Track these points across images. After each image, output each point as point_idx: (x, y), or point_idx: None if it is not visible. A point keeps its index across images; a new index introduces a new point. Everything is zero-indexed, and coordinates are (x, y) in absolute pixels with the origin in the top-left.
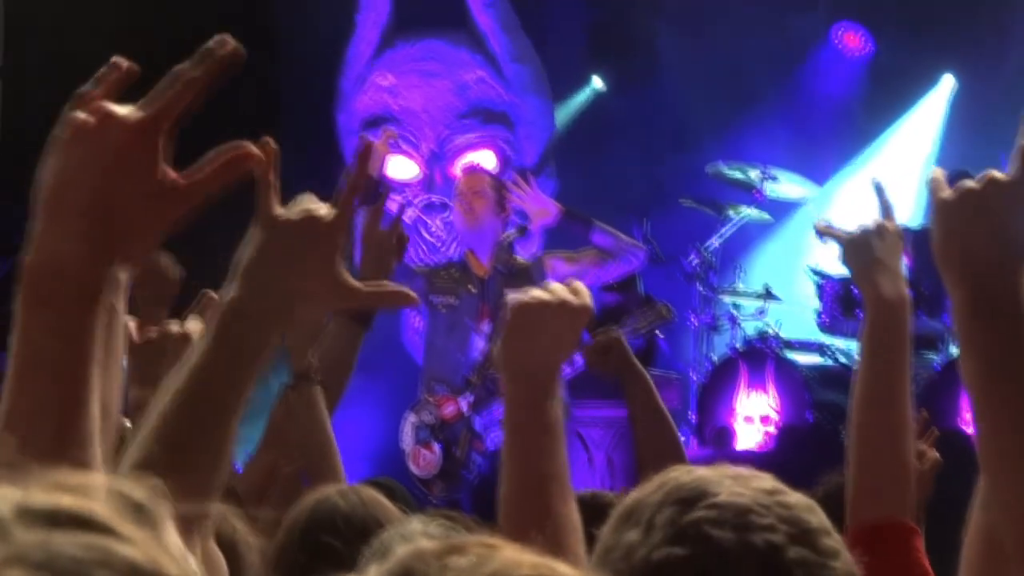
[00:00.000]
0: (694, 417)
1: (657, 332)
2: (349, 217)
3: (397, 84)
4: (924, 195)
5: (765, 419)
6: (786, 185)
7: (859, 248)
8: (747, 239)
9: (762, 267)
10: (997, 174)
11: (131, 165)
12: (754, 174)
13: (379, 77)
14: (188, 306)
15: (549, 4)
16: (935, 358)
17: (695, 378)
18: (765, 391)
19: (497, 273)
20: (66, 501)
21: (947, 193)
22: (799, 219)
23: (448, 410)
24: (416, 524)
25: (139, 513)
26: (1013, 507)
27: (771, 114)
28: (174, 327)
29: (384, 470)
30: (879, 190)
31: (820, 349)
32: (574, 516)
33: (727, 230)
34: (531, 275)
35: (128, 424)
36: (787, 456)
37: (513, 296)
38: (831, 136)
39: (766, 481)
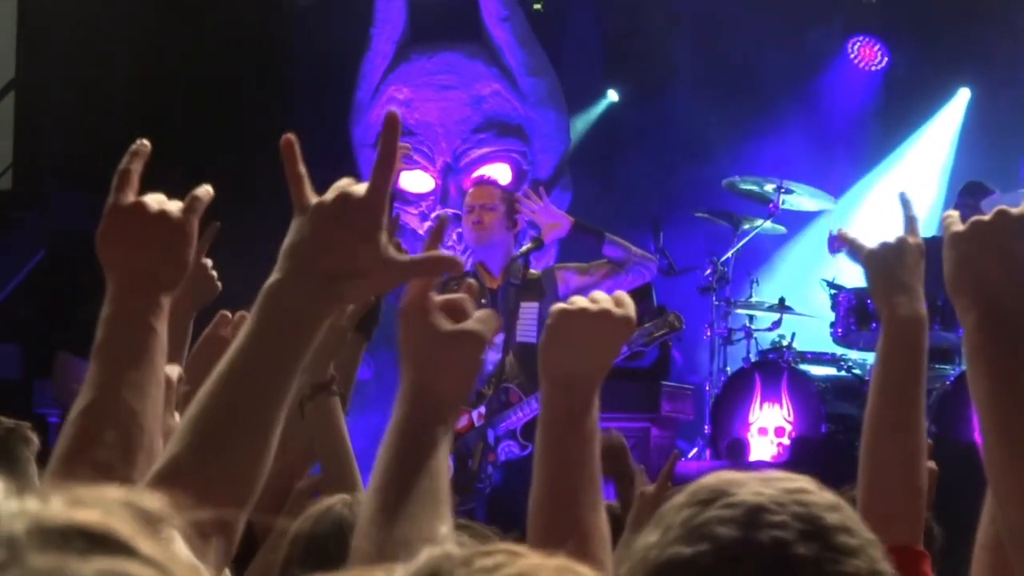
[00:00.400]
0: (708, 429)
1: (670, 342)
2: (383, 190)
3: (412, 97)
4: (939, 207)
5: (779, 431)
6: (801, 198)
7: (880, 263)
8: (762, 251)
9: (777, 279)
10: (1007, 208)
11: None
12: (769, 187)
13: (394, 90)
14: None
15: (565, 17)
16: (950, 370)
17: (709, 390)
18: (779, 403)
19: (509, 285)
20: (81, 517)
21: (960, 226)
22: (814, 231)
23: (460, 422)
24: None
25: (153, 526)
26: (1018, 527)
27: (786, 127)
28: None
29: None
30: (905, 203)
31: (834, 361)
32: (603, 527)
33: (741, 242)
34: (543, 287)
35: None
36: (801, 468)
37: (557, 304)
38: (847, 149)
39: (797, 482)
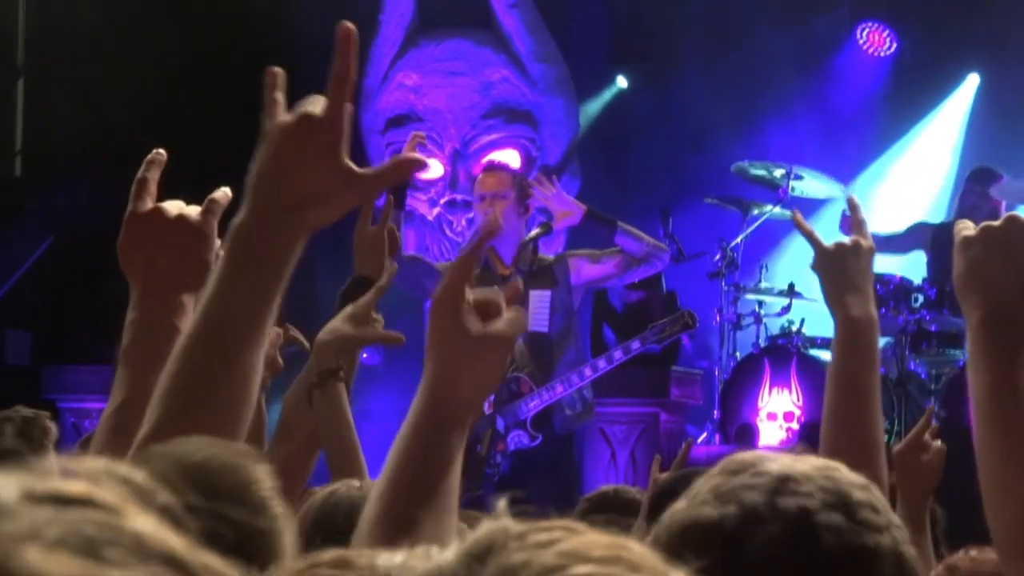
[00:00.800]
0: (717, 414)
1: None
2: (340, 108)
3: (421, 83)
4: (948, 192)
5: (788, 416)
6: (811, 183)
7: (833, 263)
8: (771, 237)
9: (786, 265)
10: (1018, 215)
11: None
12: (779, 173)
13: (403, 76)
14: None
15: (574, 4)
16: (959, 355)
17: (719, 375)
18: (789, 388)
19: (519, 273)
20: (70, 486)
21: (971, 231)
22: (823, 217)
23: None
24: None
25: (141, 495)
26: (1001, 517)
27: (795, 113)
28: None
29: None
30: (854, 207)
31: None
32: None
33: (751, 228)
34: (554, 274)
35: None
36: (810, 453)
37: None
38: (856, 135)
39: (828, 462)
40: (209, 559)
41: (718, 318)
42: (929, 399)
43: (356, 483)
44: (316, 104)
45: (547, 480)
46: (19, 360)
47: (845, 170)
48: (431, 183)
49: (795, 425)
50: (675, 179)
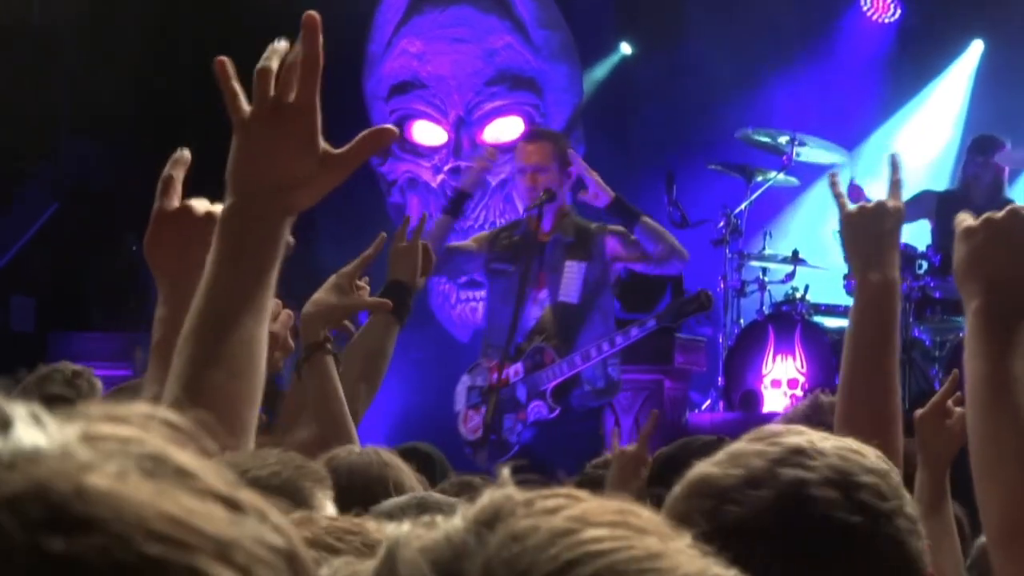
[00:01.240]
0: (721, 381)
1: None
2: (312, 94)
3: (425, 50)
4: (951, 159)
5: (792, 383)
6: (815, 150)
7: (855, 227)
8: (775, 203)
9: (790, 231)
10: (1020, 207)
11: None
12: (783, 140)
13: (407, 43)
14: None
15: None
16: (963, 322)
17: (723, 342)
18: (793, 355)
19: (557, 241)
20: (122, 428)
21: (971, 222)
22: (827, 184)
23: (498, 375)
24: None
25: (183, 438)
26: (991, 503)
27: (800, 79)
28: None
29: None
30: (895, 166)
31: (848, 313)
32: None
33: (755, 195)
34: (589, 245)
35: None
36: (813, 420)
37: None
38: (860, 101)
39: (855, 445)
40: (252, 495)
41: (722, 285)
42: (933, 366)
43: (356, 448)
44: (276, 55)
45: (568, 452)
46: (23, 326)
47: (849, 137)
48: (435, 150)
49: (799, 392)
50: (679, 145)
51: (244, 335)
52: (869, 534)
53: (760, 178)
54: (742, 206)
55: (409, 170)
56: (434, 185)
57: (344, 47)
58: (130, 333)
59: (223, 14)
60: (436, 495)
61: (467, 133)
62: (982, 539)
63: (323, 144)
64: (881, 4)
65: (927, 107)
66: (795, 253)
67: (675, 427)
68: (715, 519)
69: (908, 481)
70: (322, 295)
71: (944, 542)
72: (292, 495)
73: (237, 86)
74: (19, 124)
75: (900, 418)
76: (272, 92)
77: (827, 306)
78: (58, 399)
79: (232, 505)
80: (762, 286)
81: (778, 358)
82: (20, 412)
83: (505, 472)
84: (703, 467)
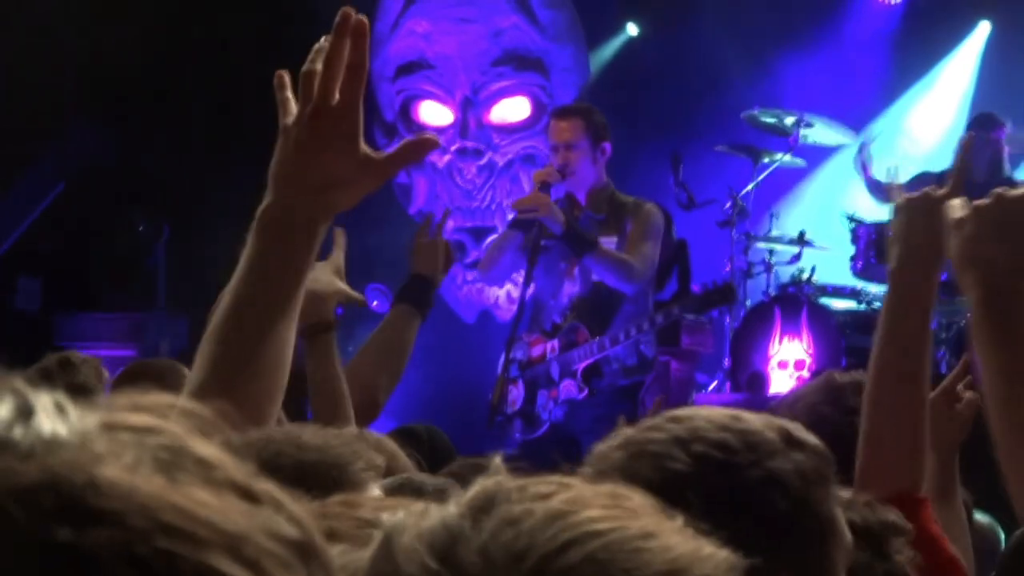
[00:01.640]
0: (728, 362)
1: (689, 272)
2: (355, 97)
3: (432, 30)
4: (956, 142)
5: (799, 364)
6: (821, 131)
7: (911, 217)
8: (781, 184)
9: (796, 213)
10: (1003, 191)
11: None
12: (789, 121)
13: (414, 23)
14: None
15: None
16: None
17: (729, 323)
18: (799, 337)
19: (588, 218)
20: (141, 418)
21: (961, 212)
22: (834, 164)
23: (536, 351)
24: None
25: (203, 428)
26: (1018, 488)
27: (806, 60)
28: None
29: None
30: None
31: (854, 294)
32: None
33: (761, 176)
34: (622, 221)
35: None
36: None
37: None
38: (867, 81)
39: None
40: (269, 485)
41: (728, 267)
42: (940, 348)
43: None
44: (320, 56)
45: (598, 434)
46: (29, 306)
47: (856, 117)
48: (441, 130)
49: (806, 373)
50: (685, 126)
51: (274, 335)
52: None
53: (767, 159)
54: (749, 187)
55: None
56: (440, 165)
57: None
58: (135, 313)
59: None
60: (421, 477)
61: (474, 113)
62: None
63: (365, 148)
64: None
65: (934, 88)
66: (801, 234)
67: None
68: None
69: None
70: (325, 276)
71: (955, 528)
72: (335, 477)
73: (290, 95)
74: (26, 104)
75: (928, 403)
76: (316, 94)
77: (834, 287)
78: (82, 389)
79: (248, 496)
80: (768, 267)
81: (785, 339)
82: (44, 401)
83: (497, 461)
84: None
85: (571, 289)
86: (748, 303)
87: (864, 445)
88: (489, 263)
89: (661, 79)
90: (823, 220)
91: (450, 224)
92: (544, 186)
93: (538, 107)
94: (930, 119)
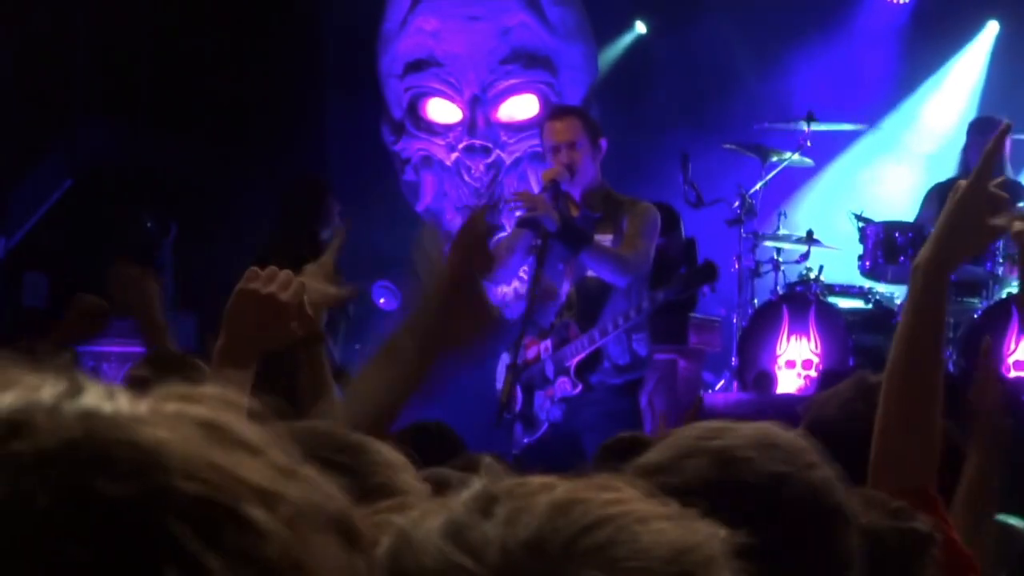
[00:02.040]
0: (735, 361)
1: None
2: (469, 274)
3: (440, 28)
4: (963, 141)
5: (807, 364)
6: (831, 130)
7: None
8: (790, 184)
9: (804, 212)
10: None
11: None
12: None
13: (422, 21)
14: None
15: None
16: (977, 303)
17: (737, 322)
18: (807, 336)
19: (585, 217)
20: (193, 408)
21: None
22: (842, 164)
23: (531, 352)
24: None
25: (249, 418)
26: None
27: (814, 60)
28: None
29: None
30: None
31: (862, 294)
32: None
33: (770, 175)
34: (618, 219)
35: None
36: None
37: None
38: (875, 82)
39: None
40: (310, 471)
41: (736, 265)
42: (948, 348)
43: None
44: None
45: (597, 431)
46: (36, 302)
47: (864, 117)
48: (449, 128)
49: (813, 373)
50: (694, 125)
51: None
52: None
53: (775, 158)
54: (757, 186)
55: (423, 148)
56: (448, 163)
57: (359, 25)
58: None
59: None
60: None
61: (482, 111)
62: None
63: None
64: None
65: (942, 88)
66: (809, 233)
67: (689, 407)
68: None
69: (945, 458)
70: (315, 283)
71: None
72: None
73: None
74: (35, 101)
75: (941, 398)
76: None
77: (841, 286)
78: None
79: (289, 473)
80: (776, 266)
81: (792, 338)
82: (95, 385)
83: (488, 461)
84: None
85: (568, 289)
86: (756, 302)
87: (879, 437)
88: (497, 262)
89: (670, 77)
90: (831, 219)
91: (458, 221)
92: (554, 185)
93: (546, 105)
94: (938, 118)
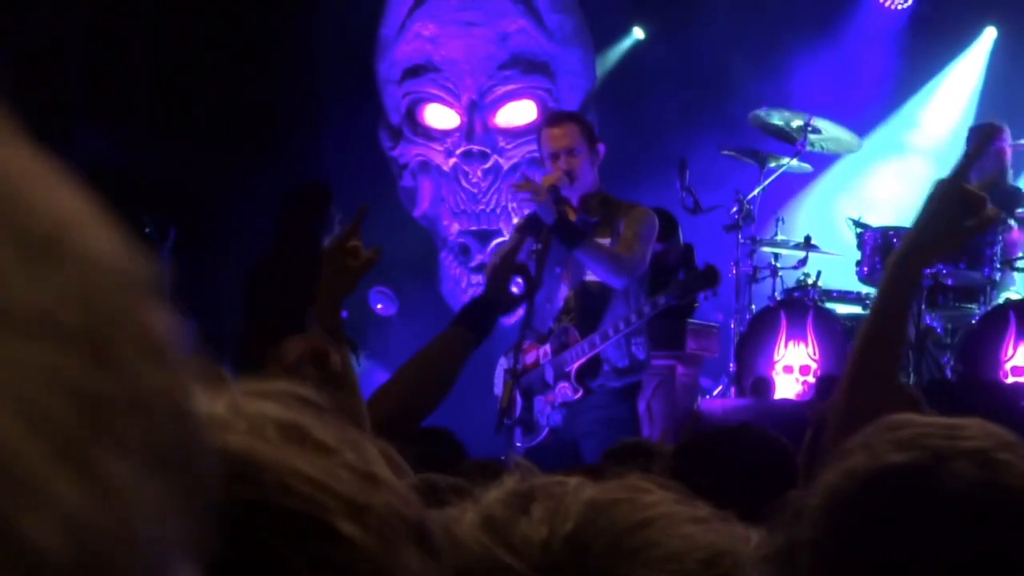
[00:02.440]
0: (733, 367)
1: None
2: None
3: (438, 34)
4: (963, 146)
5: (804, 369)
6: (828, 136)
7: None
8: (787, 189)
9: (802, 217)
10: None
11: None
12: (796, 124)
13: (420, 26)
14: None
15: None
16: (975, 309)
17: (735, 328)
18: (805, 341)
19: (582, 220)
20: (265, 406)
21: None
22: (839, 169)
23: (530, 357)
24: None
25: (318, 414)
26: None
27: (812, 66)
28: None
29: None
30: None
31: (860, 300)
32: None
33: (767, 180)
34: (615, 223)
35: None
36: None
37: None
38: (872, 87)
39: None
40: (386, 474)
41: (734, 271)
42: (945, 353)
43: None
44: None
45: (595, 436)
46: None
47: (862, 123)
48: (447, 133)
49: (811, 378)
50: (691, 130)
51: None
52: None
53: (773, 164)
54: (755, 192)
55: (421, 153)
56: (446, 169)
57: (357, 30)
58: None
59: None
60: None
61: (480, 117)
62: None
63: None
64: None
65: (940, 94)
66: (807, 239)
67: (687, 413)
68: (917, 501)
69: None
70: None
71: None
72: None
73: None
74: (31, 107)
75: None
76: None
77: (839, 292)
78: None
79: (367, 477)
80: (774, 272)
81: (790, 344)
82: None
83: (517, 459)
84: (872, 459)
85: (566, 293)
86: (753, 308)
87: (844, 394)
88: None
89: (667, 83)
90: (829, 225)
91: (455, 226)
92: (553, 190)
93: (544, 111)
94: (936, 123)
